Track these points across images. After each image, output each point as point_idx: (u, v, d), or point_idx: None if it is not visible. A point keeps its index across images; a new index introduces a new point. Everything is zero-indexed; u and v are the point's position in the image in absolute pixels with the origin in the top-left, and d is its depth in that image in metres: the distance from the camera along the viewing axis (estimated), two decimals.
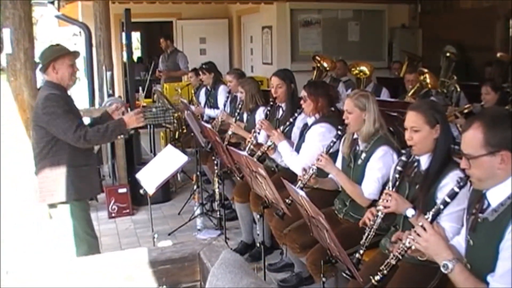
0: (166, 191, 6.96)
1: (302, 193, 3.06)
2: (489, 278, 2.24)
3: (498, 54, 8.72)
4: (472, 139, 2.29)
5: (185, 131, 8.04)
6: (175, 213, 6.48)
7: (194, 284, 1.80)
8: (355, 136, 3.88)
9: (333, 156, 4.03)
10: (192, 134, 6.21)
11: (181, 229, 5.84)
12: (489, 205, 2.34)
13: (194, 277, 1.80)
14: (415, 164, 3.18)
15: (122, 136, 4.08)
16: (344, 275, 3.03)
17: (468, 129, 2.32)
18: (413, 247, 2.49)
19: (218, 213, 5.87)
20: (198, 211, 5.96)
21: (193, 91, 8.60)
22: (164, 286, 1.83)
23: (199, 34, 12.29)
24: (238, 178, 4.74)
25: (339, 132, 3.93)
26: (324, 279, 3.23)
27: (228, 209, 6.02)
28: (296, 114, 4.68)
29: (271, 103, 5.04)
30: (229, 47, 12.53)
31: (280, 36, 10.25)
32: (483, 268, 2.28)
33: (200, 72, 7.73)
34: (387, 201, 3.07)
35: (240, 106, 5.82)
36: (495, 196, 2.31)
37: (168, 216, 6.42)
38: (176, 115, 8.09)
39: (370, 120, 3.73)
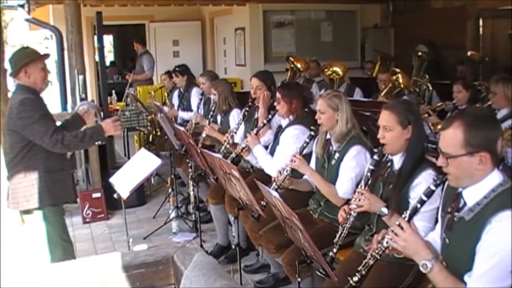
0: (141, 195, 6.92)
1: (275, 194, 3.07)
2: (466, 278, 2.25)
3: (469, 53, 8.84)
4: (452, 138, 2.29)
5: (159, 134, 8.02)
6: (150, 217, 6.45)
7: (168, 287, 1.79)
8: (328, 136, 3.90)
9: (307, 157, 4.06)
10: (166, 137, 6.19)
11: (157, 232, 5.82)
12: (465, 204, 2.34)
13: (168, 280, 1.79)
14: (389, 163, 3.20)
15: (99, 142, 4.04)
16: (319, 274, 3.05)
17: (449, 128, 2.31)
18: (391, 247, 2.49)
19: (193, 215, 5.86)
20: (173, 214, 5.94)
21: (166, 94, 8.59)
22: None
23: (172, 37, 12.23)
24: (212, 180, 4.73)
25: (312, 133, 3.95)
26: (299, 279, 3.25)
27: (204, 211, 6.02)
28: (269, 116, 4.70)
29: (250, 103, 5.04)
30: (202, 49, 12.50)
31: (253, 38, 10.24)
32: (459, 267, 2.29)
33: (173, 75, 7.71)
34: (360, 200, 3.09)
35: (213, 108, 5.81)
36: (471, 196, 2.31)
37: (143, 220, 6.39)
38: (149, 118, 8.07)
39: (343, 120, 3.76)
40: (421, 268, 2.33)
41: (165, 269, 1.78)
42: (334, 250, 3.19)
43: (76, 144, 3.98)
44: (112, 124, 4.01)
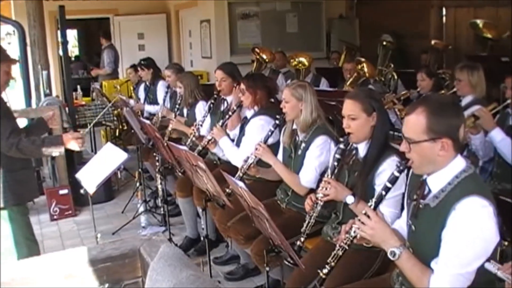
0: (109, 190, 6.86)
1: (241, 184, 3.08)
2: (433, 264, 2.28)
3: (433, 42, 8.94)
4: (415, 123, 2.31)
5: (125, 128, 7.96)
6: (118, 212, 6.41)
7: (136, 280, 1.79)
8: (295, 126, 3.92)
9: (274, 146, 4.08)
10: (133, 131, 6.15)
11: (126, 227, 5.78)
12: (430, 191, 2.37)
13: (135, 273, 1.78)
14: (353, 151, 3.23)
15: (58, 153, 3.90)
16: (287, 263, 3.06)
17: (412, 113, 2.33)
18: (358, 236, 2.50)
19: (161, 209, 5.84)
20: (141, 209, 5.92)
21: (132, 88, 8.52)
22: (107, 285, 1.81)
23: (137, 30, 12.13)
24: (179, 174, 4.72)
25: (277, 122, 3.96)
26: (267, 269, 3.27)
27: (172, 204, 6.00)
28: (234, 107, 4.70)
29: (215, 96, 5.03)
30: (168, 42, 12.42)
31: (218, 30, 10.22)
32: (426, 253, 2.32)
33: (139, 68, 7.64)
34: (326, 189, 3.12)
35: (179, 101, 5.79)
36: (435, 182, 2.34)
37: (112, 215, 6.34)
38: (116, 112, 8.00)
39: (307, 110, 3.78)
40: (389, 256, 2.36)
41: (132, 262, 1.77)
42: (302, 239, 3.21)
43: (32, 151, 3.81)
44: (75, 141, 3.89)
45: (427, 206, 2.35)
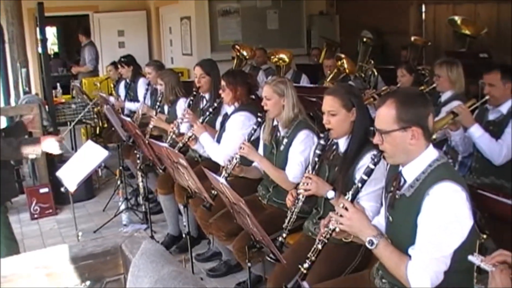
0: (90, 188, 6.82)
1: (222, 180, 3.09)
2: (410, 250, 2.33)
3: (413, 38, 9.02)
4: (385, 115, 2.39)
5: (106, 126, 7.92)
6: (99, 210, 6.37)
7: (118, 277, 1.78)
8: (275, 122, 3.93)
9: (255, 143, 4.09)
10: (114, 128, 6.11)
11: (107, 225, 5.75)
12: (405, 181, 2.43)
13: (117, 270, 1.78)
14: (334, 147, 3.25)
15: (35, 156, 3.82)
16: (269, 259, 3.07)
17: (382, 106, 2.41)
18: (337, 229, 2.53)
19: (143, 207, 5.82)
20: (123, 206, 5.89)
21: (112, 85, 8.47)
22: (88, 282, 1.81)
23: (117, 27, 12.05)
24: (160, 171, 4.72)
25: (259, 119, 3.97)
26: (249, 264, 3.28)
27: (153, 202, 5.99)
28: (215, 104, 4.70)
29: (194, 93, 5.03)
30: (148, 39, 12.37)
31: (199, 27, 10.20)
32: (403, 242, 2.37)
33: (119, 65, 7.59)
34: (307, 184, 3.13)
35: (160, 98, 5.77)
36: (410, 173, 2.41)
37: (93, 213, 6.30)
38: (96, 110, 7.95)
39: (289, 106, 3.79)
40: (367, 245, 2.40)
41: (114, 259, 1.77)
42: (284, 234, 3.22)
43: (9, 153, 3.75)
44: (53, 144, 3.85)
45: (403, 196, 2.42)
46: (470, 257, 1.91)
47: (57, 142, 3.86)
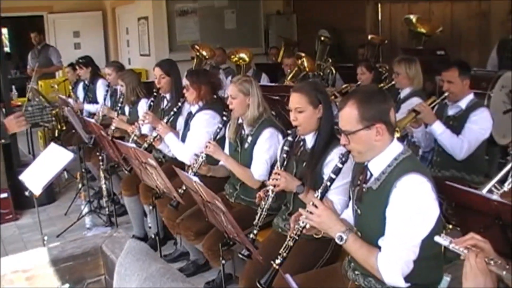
0: (50, 192, 6.70)
1: (195, 178, 3.09)
2: (380, 241, 2.39)
3: (370, 36, 9.16)
4: (348, 116, 2.44)
5: (64, 128, 7.79)
6: (61, 214, 6.26)
7: (98, 278, 1.78)
8: (240, 121, 3.96)
9: (220, 142, 4.10)
10: (74, 130, 6.03)
11: (70, 229, 5.66)
12: (371, 175, 2.50)
13: (98, 271, 1.78)
14: (301, 143, 3.29)
15: (3, 141, 3.81)
16: (241, 256, 3.10)
17: (344, 107, 2.47)
18: (307, 226, 2.59)
19: (106, 209, 5.77)
20: (86, 210, 5.80)
21: (70, 87, 8.33)
22: (67, 285, 1.80)
23: (73, 28, 11.87)
24: (126, 172, 4.68)
25: (225, 118, 3.99)
26: (223, 262, 3.30)
27: (117, 204, 5.94)
28: (179, 104, 4.70)
29: (155, 93, 5.01)
30: (105, 40, 12.22)
31: (157, 27, 10.15)
32: (372, 234, 2.43)
33: (77, 67, 7.48)
34: (276, 180, 3.17)
35: (121, 99, 5.72)
36: (376, 166, 2.48)
37: (55, 218, 6.20)
38: (54, 112, 7.83)
39: (254, 104, 3.81)
40: (337, 241, 2.46)
41: (94, 260, 1.76)
42: (255, 231, 3.25)
43: None
44: (15, 121, 3.82)
45: (370, 189, 2.48)
46: (436, 238, 1.95)
47: (19, 118, 3.82)
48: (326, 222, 2.49)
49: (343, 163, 2.60)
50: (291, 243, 2.70)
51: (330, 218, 2.50)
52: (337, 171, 2.64)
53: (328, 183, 2.66)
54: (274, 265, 2.73)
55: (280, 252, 2.73)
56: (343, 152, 2.61)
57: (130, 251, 1.54)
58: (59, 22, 11.85)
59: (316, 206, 2.51)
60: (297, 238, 2.68)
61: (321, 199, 2.62)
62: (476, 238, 1.83)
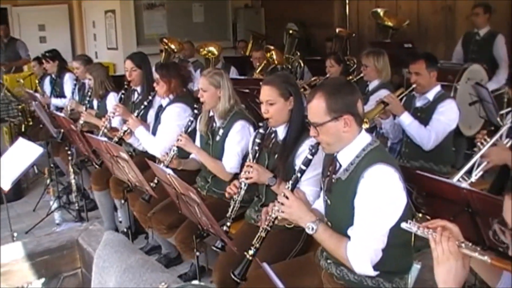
0: (17, 188, 6.56)
1: (169, 171, 3.10)
2: (349, 231, 2.44)
3: (337, 30, 9.23)
4: (316, 108, 2.48)
5: (31, 123, 7.68)
6: (29, 210, 6.18)
7: (75, 271, 1.77)
8: (211, 113, 3.96)
9: (191, 135, 4.10)
10: (41, 125, 5.95)
11: (39, 225, 5.58)
12: (340, 166, 2.54)
13: (74, 265, 1.77)
14: (273, 135, 3.32)
15: None
16: (214, 248, 3.12)
17: (312, 100, 2.50)
18: (279, 217, 2.62)
19: (76, 204, 5.71)
20: (55, 205, 5.74)
21: (37, 81, 8.21)
22: (43, 279, 1.79)
23: (38, 21, 11.66)
24: (97, 166, 4.65)
25: (196, 111, 3.99)
26: (197, 254, 3.31)
27: (87, 199, 5.89)
28: (150, 97, 4.68)
29: (126, 86, 4.98)
30: (71, 33, 12.05)
31: (124, 20, 10.06)
32: (342, 223, 2.48)
33: (44, 61, 7.38)
34: (248, 172, 3.19)
35: (89, 93, 5.67)
36: (345, 157, 2.52)
37: (23, 214, 6.11)
38: (20, 107, 7.71)
39: (225, 97, 3.83)
40: (307, 230, 2.51)
41: (70, 253, 1.76)
42: (228, 223, 3.26)
43: None
44: None
45: (339, 179, 2.53)
46: (403, 224, 1.98)
47: None
48: (297, 212, 2.54)
49: (313, 154, 2.65)
50: (263, 234, 2.74)
51: (301, 208, 2.54)
52: (307, 163, 2.68)
53: (299, 175, 2.70)
54: (248, 256, 2.75)
55: (253, 243, 2.76)
56: (313, 144, 2.65)
57: (108, 243, 1.54)
58: (23, 15, 11.64)
59: (287, 197, 2.56)
60: (269, 229, 2.72)
61: (292, 190, 2.66)
62: (442, 221, 1.87)
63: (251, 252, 2.76)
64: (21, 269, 1.71)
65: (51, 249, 1.74)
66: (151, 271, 1.36)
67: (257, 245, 2.75)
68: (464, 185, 2.65)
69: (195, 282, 1.28)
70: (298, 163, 3.10)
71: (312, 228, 2.48)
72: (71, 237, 1.76)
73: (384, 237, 2.40)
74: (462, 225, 1.89)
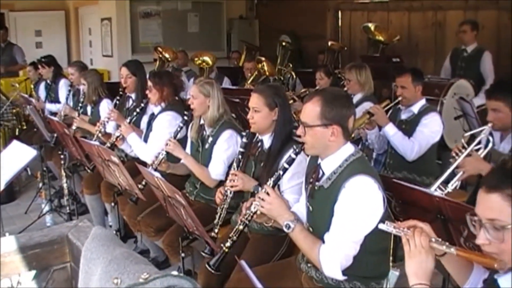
0: (10, 191, 6.65)
1: (157, 174, 3.21)
2: (325, 236, 2.55)
3: (329, 43, 9.37)
4: (310, 110, 2.58)
5: (25, 127, 7.77)
6: (21, 213, 6.25)
7: (64, 265, 1.87)
8: (202, 121, 4.08)
9: (182, 142, 4.21)
10: (35, 129, 6.04)
11: (30, 228, 5.64)
12: (323, 174, 2.65)
13: (63, 259, 1.87)
14: (259, 143, 3.43)
15: None
16: (203, 254, 3.21)
17: (309, 101, 2.61)
18: (258, 212, 2.72)
19: (67, 208, 5.78)
20: (46, 208, 5.81)
21: (32, 86, 8.30)
22: (34, 271, 1.89)
23: (35, 27, 11.75)
24: (89, 171, 4.74)
25: (186, 118, 4.11)
26: (183, 255, 3.41)
27: (78, 203, 5.97)
28: (142, 104, 4.79)
29: (121, 93, 5.09)
30: (67, 40, 12.15)
31: (120, 28, 10.18)
32: (322, 229, 2.58)
33: (39, 66, 7.47)
34: (234, 180, 3.31)
35: (83, 99, 5.77)
36: (328, 166, 2.63)
37: (15, 216, 6.18)
38: (15, 111, 7.79)
39: (214, 106, 3.94)
40: (284, 229, 2.62)
41: (60, 248, 1.86)
42: (216, 230, 3.36)
43: None
44: None
45: (321, 187, 2.63)
46: (380, 225, 2.10)
47: None
48: (276, 209, 2.64)
49: (296, 154, 2.75)
50: (241, 227, 2.84)
51: (280, 206, 2.65)
52: (290, 162, 2.78)
53: (281, 172, 2.80)
54: (224, 247, 2.87)
55: (230, 235, 2.88)
56: (297, 144, 2.76)
57: (96, 237, 1.65)
58: (20, 21, 11.72)
59: (268, 194, 2.66)
60: (247, 222, 2.82)
61: (273, 187, 2.76)
62: (415, 221, 2.00)
63: (227, 244, 2.86)
64: (13, 261, 1.81)
65: (42, 243, 1.84)
66: (135, 263, 1.47)
67: (234, 238, 2.86)
68: (437, 193, 2.77)
69: (175, 272, 1.39)
70: None
71: (289, 227, 2.59)
72: (61, 232, 1.87)
73: (357, 244, 2.51)
74: (435, 231, 2.00)
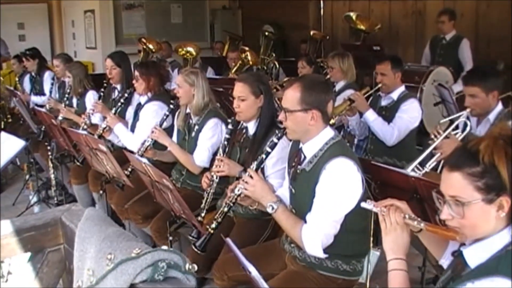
0: None
1: (144, 160, 3.30)
2: (307, 215, 2.67)
3: (312, 32, 9.49)
4: (291, 96, 2.69)
5: (10, 120, 7.79)
6: (9, 205, 6.27)
7: (58, 247, 1.96)
8: (188, 110, 4.17)
9: (169, 130, 4.30)
10: (21, 121, 6.08)
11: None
12: (305, 157, 2.76)
13: (57, 241, 1.95)
14: (244, 130, 3.54)
15: None
16: (190, 237, 3.32)
17: (290, 87, 2.72)
18: (242, 195, 2.84)
19: (55, 199, 5.84)
20: (34, 199, 5.87)
21: (16, 79, 8.32)
22: (29, 253, 1.98)
23: (17, 19, 11.70)
24: (77, 162, 4.81)
25: (172, 106, 4.20)
26: (170, 238, 3.51)
27: (66, 194, 6.02)
28: (126, 94, 4.87)
29: (105, 84, 5.16)
30: (50, 32, 12.13)
31: (103, 20, 10.21)
32: (304, 210, 2.69)
33: (24, 59, 7.49)
34: (220, 166, 3.41)
35: (68, 91, 5.82)
36: (309, 150, 2.74)
37: (3, 208, 6.15)
38: (0, 104, 7.81)
39: (199, 95, 4.03)
40: (268, 210, 2.74)
41: (54, 230, 1.94)
42: (202, 214, 3.46)
43: None
44: None
45: (303, 170, 2.74)
46: (362, 204, 2.23)
47: None
48: (260, 191, 2.76)
49: (278, 138, 2.87)
50: (226, 209, 2.97)
51: (263, 188, 2.77)
52: (272, 146, 2.90)
53: (264, 156, 2.92)
54: (209, 229, 3.00)
55: (215, 217, 3.00)
56: (279, 129, 2.87)
57: (89, 217, 1.74)
58: (3, 13, 11.58)
59: (251, 177, 2.77)
60: (232, 205, 2.94)
61: (256, 170, 2.87)
62: (392, 200, 2.12)
63: (213, 225, 3.00)
64: (9, 243, 1.90)
65: (37, 226, 1.92)
66: (127, 240, 1.57)
67: (219, 219, 3.00)
68: (412, 173, 2.90)
69: (164, 247, 1.49)
70: None
71: (272, 208, 2.71)
72: (55, 215, 1.95)
73: (337, 223, 2.63)
74: (412, 210, 2.11)
